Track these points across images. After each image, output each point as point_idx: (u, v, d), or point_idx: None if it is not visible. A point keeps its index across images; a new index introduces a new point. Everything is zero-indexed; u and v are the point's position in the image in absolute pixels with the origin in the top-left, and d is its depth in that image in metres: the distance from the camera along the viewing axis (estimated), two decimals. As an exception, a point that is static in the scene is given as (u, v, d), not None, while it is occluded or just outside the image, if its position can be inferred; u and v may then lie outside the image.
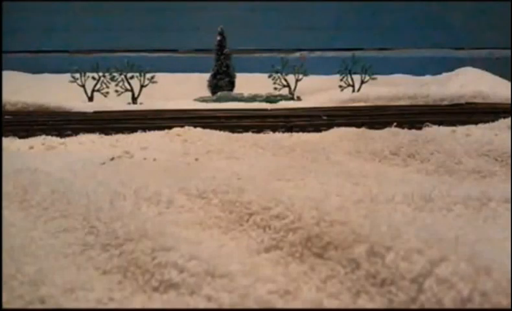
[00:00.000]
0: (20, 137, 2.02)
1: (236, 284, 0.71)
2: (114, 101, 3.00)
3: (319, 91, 3.22)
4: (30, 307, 0.69)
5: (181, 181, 1.16)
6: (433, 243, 0.70)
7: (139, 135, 2.04)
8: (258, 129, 2.12)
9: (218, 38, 3.20)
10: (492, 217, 1.02)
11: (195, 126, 2.09)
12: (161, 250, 0.78)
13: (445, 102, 2.92)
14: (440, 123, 2.05)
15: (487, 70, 3.46)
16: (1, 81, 2.65)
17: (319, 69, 3.38)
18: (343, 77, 3.13)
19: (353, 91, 3.11)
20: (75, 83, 3.25)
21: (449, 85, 3.30)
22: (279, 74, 3.10)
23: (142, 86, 3.09)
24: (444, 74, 3.60)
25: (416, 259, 0.68)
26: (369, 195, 1.11)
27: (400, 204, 1.08)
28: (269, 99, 2.99)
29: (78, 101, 2.99)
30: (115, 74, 3.09)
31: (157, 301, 0.72)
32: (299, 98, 3.08)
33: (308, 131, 2.09)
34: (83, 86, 3.24)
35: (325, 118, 2.45)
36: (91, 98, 3.21)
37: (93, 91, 3.21)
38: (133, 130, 2.13)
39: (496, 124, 2.07)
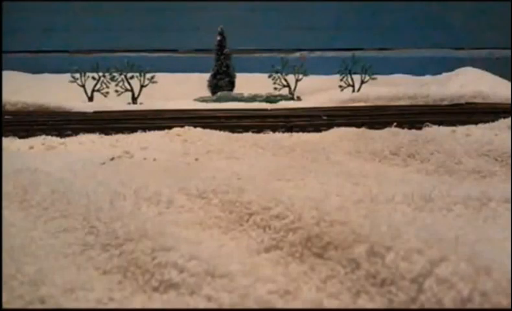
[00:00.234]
0: (20, 137, 2.02)
1: (236, 284, 0.71)
2: (114, 101, 3.00)
3: (319, 91, 3.22)
4: (30, 307, 0.69)
5: (181, 181, 1.16)
6: (433, 243, 0.70)
7: (139, 135, 2.04)
8: (258, 129, 2.12)
9: (218, 38, 3.20)
10: (492, 217, 1.02)
11: (195, 126, 2.08)
12: (161, 250, 0.78)
13: (445, 102, 2.92)
14: (440, 123, 2.05)
15: (487, 70, 3.46)
16: (1, 81, 2.65)
17: (319, 69, 3.38)
18: (343, 77, 3.13)
19: (353, 91, 3.11)
20: (75, 83, 3.25)
21: (449, 85, 3.30)
22: (278, 74, 3.10)
23: (142, 86, 3.09)
24: (444, 74, 3.60)
25: (416, 259, 0.68)
26: (369, 195, 1.11)
27: (400, 204, 1.08)
28: (269, 99, 2.99)
29: (78, 101, 2.99)
30: (115, 74, 3.09)
31: (157, 301, 0.72)
32: (299, 98, 3.08)
33: (308, 131, 2.09)
34: (83, 86, 3.24)
35: (325, 118, 2.45)
36: (91, 98, 3.21)
37: (93, 91, 3.21)
38: (133, 130, 2.13)
39: (496, 124, 2.07)
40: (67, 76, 3.11)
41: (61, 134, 2.09)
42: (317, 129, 2.08)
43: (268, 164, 1.52)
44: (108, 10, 4.05)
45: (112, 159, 1.62)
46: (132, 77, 3.11)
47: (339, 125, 2.07)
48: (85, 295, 0.71)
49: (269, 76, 3.14)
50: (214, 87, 3.25)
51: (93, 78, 3.22)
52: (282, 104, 2.80)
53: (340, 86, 3.15)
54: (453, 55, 4.01)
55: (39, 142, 1.94)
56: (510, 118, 2.03)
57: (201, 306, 0.69)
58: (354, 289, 0.72)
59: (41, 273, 0.76)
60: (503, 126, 1.99)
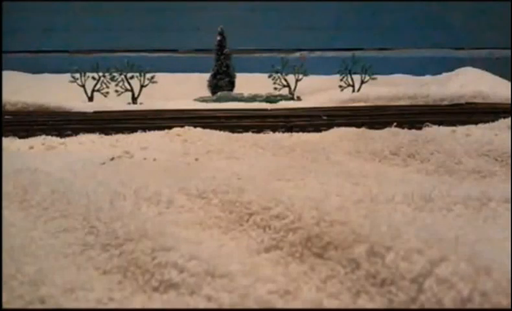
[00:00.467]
0: (20, 137, 2.02)
1: (236, 284, 0.71)
2: (114, 101, 3.00)
3: (319, 91, 3.22)
4: (30, 307, 0.69)
5: (181, 181, 1.16)
6: (433, 243, 0.70)
7: (138, 135, 2.04)
8: (258, 129, 2.12)
9: (218, 38, 3.20)
10: (492, 217, 1.02)
11: (195, 126, 2.09)
12: (161, 250, 0.78)
13: (445, 102, 2.92)
14: (440, 123, 2.05)
15: (487, 70, 3.46)
16: (1, 81, 2.65)
17: (319, 69, 3.38)
18: (343, 77, 3.13)
19: (353, 91, 3.11)
20: (75, 83, 3.25)
21: (449, 85, 3.30)
22: (278, 74, 3.10)
23: (142, 86, 3.09)
24: (444, 74, 3.60)
25: (416, 259, 0.68)
26: (369, 195, 1.11)
27: (400, 204, 1.08)
28: (269, 99, 2.99)
29: (78, 101, 2.99)
30: (115, 74, 3.09)
31: (157, 301, 0.72)
32: (299, 98, 3.08)
33: (308, 131, 2.09)
34: (83, 86, 3.24)
35: (325, 118, 2.45)
36: (91, 98, 3.21)
37: (93, 91, 3.21)
38: (133, 130, 2.13)
39: (496, 124, 2.07)
40: (67, 76, 3.12)
41: (61, 134, 2.09)
42: (317, 129, 2.09)
43: (268, 164, 1.52)
44: (108, 9, 4.05)
45: (112, 159, 1.62)
46: (132, 77, 3.11)
47: (339, 125, 2.07)
48: (85, 295, 0.71)
49: (269, 76, 3.14)
50: (214, 87, 3.25)
51: (93, 78, 3.22)
52: (282, 104, 2.80)
53: (340, 86, 3.15)
54: (453, 55, 4.01)
55: (39, 142, 1.94)
56: (510, 118, 2.03)
57: (201, 306, 0.69)
58: (354, 289, 0.72)
59: (41, 273, 0.76)
60: (503, 126, 1.99)
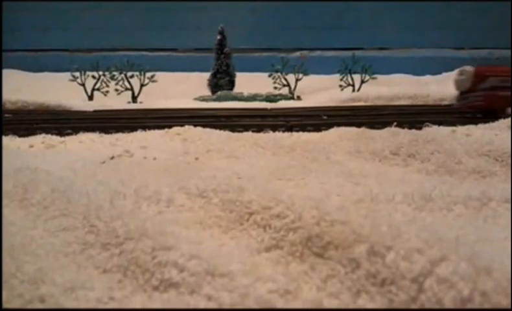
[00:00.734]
0: (20, 136, 2.02)
1: (236, 284, 0.71)
2: (114, 100, 3.01)
3: (319, 90, 3.23)
4: (30, 306, 0.69)
5: (181, 180, 1.16)
6: (433, 243, 0.70)
7: (138, 134, 2.04)
8: (259, 129, 2.13)
9: (218, 37, 3.20)
10: (493, 217, 1.02)
11: (195, 125, 2.09)
12: (161, 249, 0.78)
13: (445, 102, 2.92)
14: (440, 123, 2.05)
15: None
16: (1, 79, 2.64)
17: (319, 69, 3.38)
18: (343, 76, 3.13)
19: (353, 90, 3.11)
20: (75, 82, 3.25)
21: (449, 85, 3.30)
22: (279, 74, 3.10)
23: (142, 85, 3.09)
24: (444, 74, 3.60)
25: (416, 259, 0.68)
26: (370, 195, 1.11)
27: (401, 204, 1.08)
28: (269, 98, 2.99)
29: (78, 100, 2.99)
30: (115, 73, 3.09)
31: (157, 300, 0.72)
32: (299, 98, 3.09)
33: (309, 131, 2.09)
34: (83, 85, 3.24)
35: (325, 117, 2.45)
36: (91, 97, 3.21)
37: (93, 89, 3.21)
38: (133, 129, 2.13)
39: (496, 124, 2.07)
40: (67, 74, 3.12)
41: (61, 133, 2.09)
42: (318, 128, 2.09)
43: (268, 164, 1.52)
44: (108, 9, 4.05)
45: (112, 157, 1.62)
46: (132, 76, 3.11)
47: (339, 125, 2.07)
48: (85, 294, 0.71)
49: (270, 76, 3.14)
50: (214, 86, 3.25)
51: (93, 76, 3.22)
52: (282, 103, 2.80)
53: (340, 86, 3.15)
54: (453, 55, 4.01)
55: (39, 141, 1.94)
56: (510, 118, 2.03)
57: (202, 306, 0.69)
58: (355, 289, 0.72)
59: (41, 272, 0.76)
60: (503, 126, 2.00)
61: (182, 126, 2.07)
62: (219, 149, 1.72)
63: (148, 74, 3.10)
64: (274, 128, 2.12)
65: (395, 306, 0.66)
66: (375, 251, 0.73)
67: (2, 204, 1.02)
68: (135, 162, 1.57)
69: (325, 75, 3.37)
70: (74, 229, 0.92)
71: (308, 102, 2.89)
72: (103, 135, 2.07)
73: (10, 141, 1.93)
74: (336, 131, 1.93)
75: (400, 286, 0.67)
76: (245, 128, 2.11)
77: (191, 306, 0.69)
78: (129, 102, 3.05)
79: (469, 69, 2.45)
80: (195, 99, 3.11)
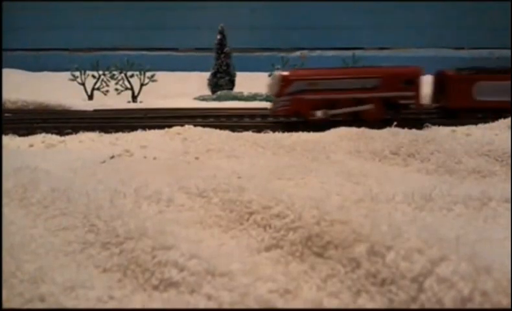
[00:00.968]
0: (20, 135, 2.02)
1: (236, 283, 0.71)
2: (114, 99, 3.01)
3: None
4: (30, 305, 0.69)
5: (181, 180, 1.16)
6: (433, 243, 0.70)
7: (138, 134, 2.04)
8: (259, 128, 2.13)
9: (218, 37, 3.20)
10: (493, 217, 1.02)
11: (195, 125, 2.09)
12: (161, 248, 0.78)
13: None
14: (440, 123, 2.05)
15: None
16: (1, 79, 2.65)
17: (319, 68, 3.37)
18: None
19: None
20: (75, 82, 3.25)
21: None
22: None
23: (142, 84, 3.10)
24: (445, 74, 3.59)
25: (416, 258, 0.68)
26: (370, 194, 1.11)
27: (401, 203, 1.08)
28: (270, 98, 2.99)
29: (78, 99, 2.99)
30: (115, 72, 3.09)
31: (157, 300, 0.72)
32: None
33: (308, 131, 2.09)
34: (83, 84, 3.24)
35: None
36: (91, 97, 3.21)
37: (93, 89, 3.21)
38: (133, 128, 2.13)
39: (496, 124, 2.08)
40: (67, 74, 3.12)
41: (61, 132, 2.09)
42: (318, 128, 2.09)
43: (268, 163, 1.52)
44: (108, 8, 4.05)
45: (112, 157, 1.62)
46: (132, 75, 3.11)
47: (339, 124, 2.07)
48: (85, 293, 0.71)
49: (270, 75, 3.14)
50: (214, 85, 3.25)
51: (93, 76, 3.23)
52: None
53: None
54: (453, 54, 4.01)
55: (39, 140, 1.95)
56: (510, 118, 2.04)
57: (202, 305, 0.69)
58: (355, 289, 0.72)
59: (41, 271, 0.75)
60: (503, 126, 2.00)
61: (182, 125, 2.07)
62: (219, 148, 1.72)
63: (148, 74, 3.10)
64: (274, 128, 2.12)
65: (395, 305, 0.66)
66: (375, 251, 0.73)
67: (2, 203, 1.02)
68: (135, 161, 1.57)
69: (325, 75, 3.36)
70: (74, 228, 0.92)
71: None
72: (103, 134, 2.07)
73: (10, 140, 1.93)
74: (336, 131, 1.93)
75: (400, 285, 0.67)
76: (246, 128, 2.11)
77: (191, 306, 0.69)
78: (129, 102, 3.05)
79: (278, 73, 2.43)
80: (195, 99, 3.11)
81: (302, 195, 0.95)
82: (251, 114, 2.54)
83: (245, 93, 3.04)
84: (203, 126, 2.06)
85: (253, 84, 3.15)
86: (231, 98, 3.03)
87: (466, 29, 4.05)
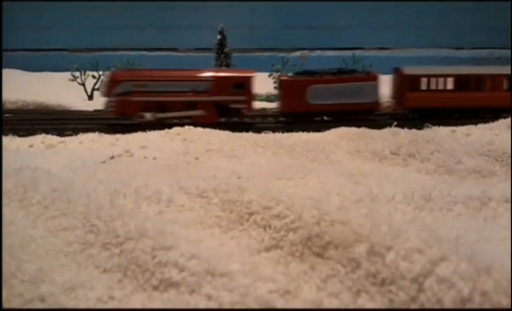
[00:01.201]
0: (20, 136, 2.02)
1: (236, 283, 0.71)
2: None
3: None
4: (30, 305, 0.69)
5: (181, 180, 1.16)
6: (433, 243, 0.70)
7: (138, 134, 2.04)
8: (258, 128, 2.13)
9: (219, 37, 3.20)
10: (493, 217, 1.02)
11: (195, 125, 2.09)
12: (161, 249, 0.78)
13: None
14: (440, 123, 2.06)
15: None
16: (1, 79, 2.64)
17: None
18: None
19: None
20: (75, 82, 3.25)
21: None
22: (279, 73, 3.10)
23: (142, 85, 3.09)
24: (445, 74, 3.59)
25: (416, 259, 0.68)
26: (370, 194, 1.12)
27: (401, 203, 1.08)
28: (269, 98, 2.99)
29: (78, 99, 2.99)
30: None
31: (157, 300, 0.72)
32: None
33: (308, 131, 2.09)
34: (83, 84, 3.24)
35: (325, 118, 2.45)
36: (91, 97, 3.21)
37: (93, 89, 3.21)
38: (132, 129, 2.13)
39: (496, 124, 2.08)
40: (67, 74, 3.12)
41: (60, 133, 2.09)
42: (318, 128, 2.09)
43: (268, 163, 1.52)
44: (108, 8, 4.05)
45: (112, 157, 1.63)
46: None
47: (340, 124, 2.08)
48: (85, 293, 0.71)
49: (270, 75, 3.14)
50: (214, 86, 3.24)
51: (93, 76, 3.22)
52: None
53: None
54: (453, 55, 4.01)
55: (39, 141, 1.95)
56: (510, 118, 2.04)
57: (202, 305, 0.69)
58: (355, 289, 0.72)
59: (41, 272, 0.76)
60: (503, 126, 2.00)
61: (182, 125, 2.07)
62: (219, 149, 1.72)
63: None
64: (274, 128, 2.13)
65: (395, 305, 0.66)
66: (375, 251, 0.73)
67: (3, 204, 1.02)
68: (135, 162, 1.57)
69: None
70: (74, 228, 0.92)
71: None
72: (103, 134, 2.07)
73: (10, 141, 1.93)
74: (336, 131, 1.93)
75: (400, 285, 0.67)
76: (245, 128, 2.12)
77: (191, 306, 0.69)
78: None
79: (109, 73, 2.41)
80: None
81: (302, 196, 0.95)
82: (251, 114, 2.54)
83: (245, 93, 3.03)
84: (203, 126, 2.07)
85: (253, 84, 3.15)
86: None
87: (466, 29, 4.05)
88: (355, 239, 0.77)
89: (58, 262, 0.81)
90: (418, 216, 1.00)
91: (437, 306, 0.62)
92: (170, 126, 2.07)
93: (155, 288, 0.74)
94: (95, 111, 2.66)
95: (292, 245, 0.83)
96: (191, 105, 2.30)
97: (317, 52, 4.08)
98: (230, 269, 0.73)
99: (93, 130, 2.13)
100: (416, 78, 2.51)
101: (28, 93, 2.95)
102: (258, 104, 2.77)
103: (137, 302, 0.72)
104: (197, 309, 0.69)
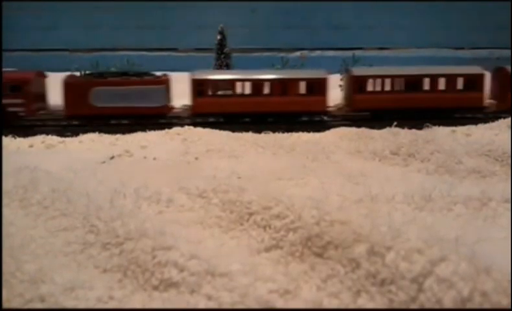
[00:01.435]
0: (19, 136, 2.02)
1: (236, 283, 0.71)
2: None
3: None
4: (30, 305, 0.69)
5: (181, 180, 1.16)
6: (433, 243, 0.70)
7: (138, 134, 2.04)
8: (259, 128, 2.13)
9: (219, 37, 3.19)
10: (492, 217, 1.02)
11: (195, 125, 2.09)
12: (161, 249, 0.78)
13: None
14: (440, 123, 2.06)
15: (487, 70, 3.46)
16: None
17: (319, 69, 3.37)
18: (344, 76, 3.12)
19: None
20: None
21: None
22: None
23: (142, 85, 3.09)
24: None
25: (416, 259, 0.68)
26: (369, 194, 1.12)
27: (401, 203, 1.08)
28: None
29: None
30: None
31: (157, 300, 0.72)
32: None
33: (308, 131, 2.09)
34: (83, 85, 3.23)
35: (325, 118, 2.46)
36: (90, 97, 3.20)
37: (93, 89, 3.20)
38: (132, 129, 2.13)
39: (496, 124, 2.08)
40: (67, 74, 3.10)
41: (60, 133, 2.09)
42: (317, 128, 2.09)
43: (268, 164, 1.52)
44: (108, 8, 4.05)
45: (112, 157, 1.63)
46: (132, 76, 3.10)
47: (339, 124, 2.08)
48: (85, 293, 0.71)
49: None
50: (214, 86, 3.24)
51: (93, 76, 3.22)
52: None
53: (340, 85, 3.14)
54: (453, 55, 4.01)
55: (39, 141, 1.95)
56: (510, 119, 2.04)
57: (201, 305, 0.69)
58: (355, 289, 0.72)
59: (41, 272, 0.76)
60: (504, 126, 2.00)
61: (182, 125, 2.07)
62: (219, 149, 1.72)
63: (148, 74, 3.08)
64: (274, 128, 2.12)
65: (395, 306, 0.66)
66: (375, 251, 0.73)
67: (3, 204, 1.02)
68: (135, 162, 1.57)
69: (325, 75, 3.35)
70: (74, 228, 0.92)
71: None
72: (102, 134, 2.07)
73: (9, 141, 1.93)
74: (336, 131, 1.93)
75: (400, 285, 0.67)
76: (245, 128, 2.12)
77: (191, 306, 0.69)
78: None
79: None
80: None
81: (302, 196, 0.95)
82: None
83: (245, 93, 3.03)
84: (203, 126, 2.07)
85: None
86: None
87: (466, 29, 4.04)
88: (355, 239, 0.77)
89: (58, 262, 0.81)
90: (418, 216, 1.00)
91: (437, 306, 0.62)
92: (170, 126, 2.07)
93: (155, 288, 0.74)
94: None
95: (292, 245, 0.83)
96: None
97: (317, 52, 4.08)
98: (230, 269, 0.73)
99: (93, 130, 2.13)
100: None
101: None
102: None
103: (137, 302, 0.72)
104: (197, 309, 0.69)
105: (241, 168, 1.42)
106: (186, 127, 2.05)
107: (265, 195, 0.97)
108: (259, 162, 1.53)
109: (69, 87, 2.41)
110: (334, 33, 4.03)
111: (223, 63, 3.19)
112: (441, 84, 2.51)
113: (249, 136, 1.92)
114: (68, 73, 2.56)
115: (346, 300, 0.71)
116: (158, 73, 2.62)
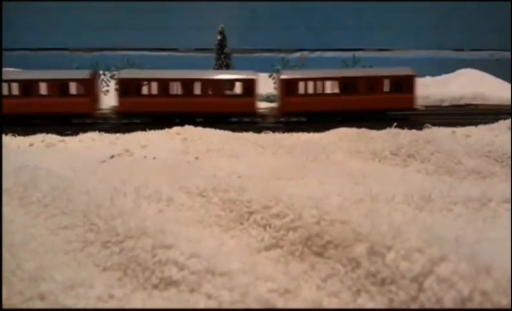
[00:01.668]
0: (20, 134, 2.02)
1: (236, 282, 0.71)
2: (114, 99, 3.00)
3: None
4: (30, 303, 0.69)
5: (181, 179, 1.16)
6: (433, 243, 0.70)
7: (138, 134, 2.04)
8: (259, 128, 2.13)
9: (219, 37, 3.19)
10: (492, 217, 1.02)
11: (195, 125, 2.10)
12: (161, 247, 0.78)
13: (445, 103, 2.93)
14: (440, 124, 2.06)
15: (487, 71, 3.46)
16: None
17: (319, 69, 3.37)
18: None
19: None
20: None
21: (449, 86, 3.32)
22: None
23: (142, 84, 3.09)
24: (445, 76, 3.60)
25: (416, 258, 0.68)
26: (370, 194, 1.12)
27: (401, 204, 1.08)
28: (270, 98, 2.99)
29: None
30: (115, 72, 3.09)
31: (157, 298, 0.72)
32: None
33: (308, 131, 2.10)
34: (83, 84, 3.23)
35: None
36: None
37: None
38: (133, 128, 2.14)
39: (496, 125, 2.08)
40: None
41: (60, 132, 2.09)
42: (317, 128, 2.09)
43: (268, 163, 1.52)
44: (109, 8, 4.05)
45: (112, 156, 1.63)
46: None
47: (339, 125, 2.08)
48: (85, 291, 0.71)
49: (270, 76, 3.13)
50: (215, 86, 3.23)
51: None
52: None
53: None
54: (453, 56, 4.02)
55: (39, 140, 1.95)
56: (510, 120, 2.04)
57: (201, 304, 0.69)
58: (355, 288, 0.72)
59: (41, 270, 0.76)
60: (503, 127, 2.00)
61: (182, 125, 2.07)
62: (219, 148, 1.72)
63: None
64: (274, 128, 2.13)
65: (395, 305, 0.66)
66: (375, 251, 0.73)
67: (3, 202, 1.02)
68: (135, 161, 1.57)
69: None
70: (75, 227, 0.92)
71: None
72: (103, 133, 2.07)
73: (10, 140, 1.93)
74: (336, 132, 1.93)
75: (400, 285, 0.67)
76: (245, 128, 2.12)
77: (191, 305, 0.69)
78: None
79: None
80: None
81: (302, 195, 0.95)
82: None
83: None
84: (203, 125, 2.07)
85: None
86: (231, 98, 3.02)
87: (466, 30, 4.05)
88: (355, 239, 0.77)
89: (58, 260, 0.81)
90: (418, 216, 1.00)
91: (437, 306, 0.62)
92: (170, 125, 2.07)
93: (155, 287, 0.74)
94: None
95: (292, 244, 0.83)
96: None
97: (317, 53, 4.09)
98: (230, 268, 0.73)
99: (93, 129, 2.13)
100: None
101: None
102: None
103: (137, 300, 0.72)
104: (197, 308, 0.69)
105: (241, 168, 1.42)
106: (187, 126, 2.05)
107: (265, 195, 0.97)
108: (259, 162, 1.53)
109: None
110: (335, 33, 4.03)
111: (224, 63, 3.19)
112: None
113: (249, 135, 1.93)
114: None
115: (346, 300, 0.71)
116: None
